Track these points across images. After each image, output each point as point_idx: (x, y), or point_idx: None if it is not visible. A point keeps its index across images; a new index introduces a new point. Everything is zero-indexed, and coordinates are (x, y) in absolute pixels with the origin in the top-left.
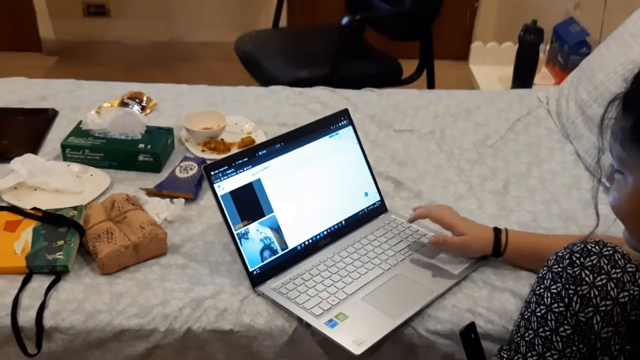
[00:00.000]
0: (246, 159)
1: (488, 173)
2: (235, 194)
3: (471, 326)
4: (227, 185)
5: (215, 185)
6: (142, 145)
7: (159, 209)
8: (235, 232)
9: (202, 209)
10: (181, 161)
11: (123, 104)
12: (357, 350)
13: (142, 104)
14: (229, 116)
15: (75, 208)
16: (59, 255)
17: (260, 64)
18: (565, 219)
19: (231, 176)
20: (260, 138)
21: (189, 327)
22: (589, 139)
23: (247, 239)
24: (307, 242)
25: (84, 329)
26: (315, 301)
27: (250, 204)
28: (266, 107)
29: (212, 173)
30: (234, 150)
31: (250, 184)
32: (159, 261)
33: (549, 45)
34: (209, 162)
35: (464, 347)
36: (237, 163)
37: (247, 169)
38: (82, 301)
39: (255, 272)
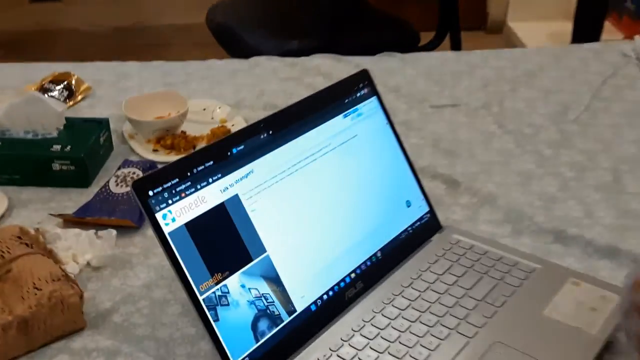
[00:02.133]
0: (211, 162)
1: (584, 160)
2: (195, 227)
3: None
4: (179, 213)
5: (158, 217)
6: (57, 147)
7: (78, 248)
8: (200, 298)
9: (151, 244)
10: (119, 168)
11: (43, 90)
12: None
13: (70, 88)
14: (194, 100)
15: None
16: None
17: (237, 36)
18: None
19: (186, 196)
20: (238, 127)
21: None
22: None
23: (225, 305)
24: (326, 297)
25: None
26: None
27: (224, 241)
28: (247, 85)
29: (151, 194)
30: (202, 146)
31: (222, 206)
32: (69, 345)
33: None
34: (160, 167)
35: None
36: (194, 172)
37: (213, 181)
38: None
39: None
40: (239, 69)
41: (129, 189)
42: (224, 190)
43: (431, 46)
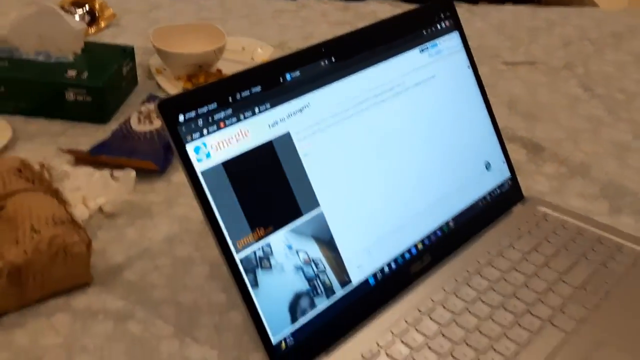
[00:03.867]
0: (259, 88)
1: None
2: (235, 168)
3: None
4: (216, 148)
5: (189, 149)
6: (73, 73)
7: (89, 190)
8: (237, 257)
9: (174, 193)
10: (142, 103)
11: None
12: None
13: (93, 13)
14: (233, 37)
15: None
16: None
17: None
18: None
19: (225, 127)
20: None
21: None
22: None
23: (267, 269)
24: (387, 269)
25: None
26: None
27: (269, 189)
28: (292, 27)
29: (182, 120)
30: None
31: (269, 145)
32: (71, 302)
33: None
34: None
35: None
36: (237, 98)
37: (260, 112)
38: None
39: (285, 348)
40: (284, 9)
41: (152, 127)
42: (272, 126)
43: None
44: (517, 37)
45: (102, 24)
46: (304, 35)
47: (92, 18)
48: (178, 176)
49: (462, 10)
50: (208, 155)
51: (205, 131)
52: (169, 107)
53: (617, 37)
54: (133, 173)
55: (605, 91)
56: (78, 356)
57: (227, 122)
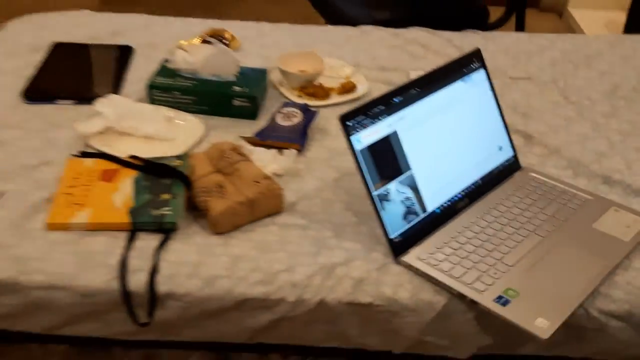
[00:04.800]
0: (382, 107)
1: (628, 128)
2: (373, 148)
3: None
4: (364, 138)
5: (352, 139)
6: (237, 88)
7: (266, 161)
8: (374, 194)
9: (311, 162)
10: (282, 107)
11: (205, 42)
12: (543, 333)
13: (225, 42)
14: (323, 59)
15: (179, 157)
16: (166, 210)
17: (331, 2)
18: None
19: (367, 127)
20: (361, 83)
21: (321, 299)
22: None
23: (388, 200)
24: (445, 204)
25: (201, 296)
26: (474, 274)
27: (388, 159)
28: (362, 50)
29: (349, 123)
30: (334, 96)
31: (387, 137)
32: (275, 220)
33: None
34: (312, 109)
35: None
36: (372, 112)
37: (383, 119)
38: (198, 264)
39: (396, 240)
40: (352, 36)
41: (291, 122)
42: (388, 126)
43: (499, 23)
44: (518, 57)
45: (232, 50)
46: (371, 56)
47: (225, 45)
48: (310, 154)
49: (479, 37)
50: (360, 142)
51: (359, 130)
52: (343, 117)
53: (589, 59)
54: (295, 151)
55: (577, 99)
56: (289, 244)
57: (368, 125)
